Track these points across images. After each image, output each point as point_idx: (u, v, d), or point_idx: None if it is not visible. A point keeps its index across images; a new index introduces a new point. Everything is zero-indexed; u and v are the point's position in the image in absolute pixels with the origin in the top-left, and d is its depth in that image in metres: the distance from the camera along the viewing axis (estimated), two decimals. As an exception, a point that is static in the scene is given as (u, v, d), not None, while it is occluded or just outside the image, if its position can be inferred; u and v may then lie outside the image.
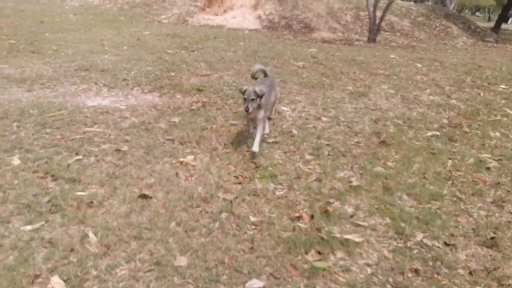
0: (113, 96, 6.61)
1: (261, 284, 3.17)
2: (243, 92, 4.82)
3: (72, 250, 3.32)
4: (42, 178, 4.23)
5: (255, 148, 4.94)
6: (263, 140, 5.29)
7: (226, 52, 10.02)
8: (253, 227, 3.85)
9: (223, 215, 3.96)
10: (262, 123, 5.04)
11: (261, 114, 5.00)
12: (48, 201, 3.85)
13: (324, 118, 6.38)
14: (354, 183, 4.66)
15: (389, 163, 5.17)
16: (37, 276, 3.02)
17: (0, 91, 6.38)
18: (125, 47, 9.81)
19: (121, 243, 3.46)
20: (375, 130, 6.08)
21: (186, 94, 6.82)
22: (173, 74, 7.81)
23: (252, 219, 3.94)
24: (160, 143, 5.19)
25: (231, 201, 4.12)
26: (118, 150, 4.88)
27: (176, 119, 5.80)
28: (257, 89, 4.81)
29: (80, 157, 4.68)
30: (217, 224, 3.82)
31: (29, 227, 3.51)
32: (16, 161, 4.47)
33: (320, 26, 16.74)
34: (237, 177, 4.61)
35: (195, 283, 3.12)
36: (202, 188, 4.33)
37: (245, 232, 3.75)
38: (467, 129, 6.51)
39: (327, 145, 5.54)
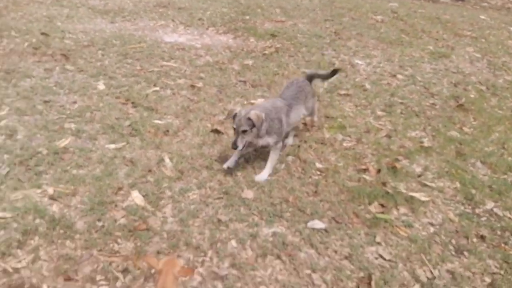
0: (189, 34, 6.75)
1: (322, 225, 3.26)
2: (233, 117, 3.49)
3: (149, 171, 3.59)
4: (124, 104, 4.52)
5: (262, 176, 3.70)
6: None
7: (301, 0, 9.72)
8: (318, 173, 3.90)
9: (290, 158, 4.04)
10: (276, 150, 3.78)
11: (272, 140, 3.68)
12: (129, 125, 4.14)
13: (399, 76, 6.12)
14: (426, 144, 4.51)
15: (465, 129, 4.91)
16: (120, 189, 3.33)
17: (86, 20, 6.74)
18: (201, -13, 9.84)
19: (194, 171, 3.68)
20: (453, 94, 5.74)
21: (260, 38, 6.79)
22: (247, 17, 7.76)
23: (318, 165, 3.99)
24: (233, 83, 5.29)
25: (298, 146, 4.18)
26: (192, 86, 5.06)
27: (249, 62, 5.84)
28: (253, 114, 3.38)
29: (157, 88, 4.92)
30: (283, 166, 3.92)
31: (112, 146, 3.82)
32: (101, 86, 4.80)
33: (403, -21, 15.58)
34: (305, 124, 4.63)
35: (260, 215, 3.28)
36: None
37: (310, 177, 3.82)
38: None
39: (401, 103, 5.35)
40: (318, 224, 3.28)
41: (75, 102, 4.41)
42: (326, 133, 4.53)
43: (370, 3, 10.39)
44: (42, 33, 5.95)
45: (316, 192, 3.64)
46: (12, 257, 2.65)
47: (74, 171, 3.43)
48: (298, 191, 3.59)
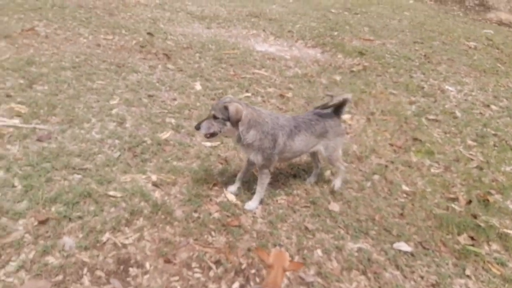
0: (278, 45, 6.95)
1: (409, 248, 3.21)
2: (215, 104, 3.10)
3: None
4: (218, 105, 4.78)
5: (251, 205, 3.36)
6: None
7: (390, 20, 9.61)
8: (405, 195, 3.85)
9: (376, 177, 4.03)
10: (263, 176, 3.32)
11: (260, 159, 3.19)
12: (224, 126, 4.37)
13: (493, 107, 5.84)
14: (522, 181, 4.28)
15: None
16: (215, 185, 3.53)
17: (185, 24, 7.20)
18: (291, 0, 10.09)
19: (282, 177, 3.80)
20: (554, 131, 5.38)
21: (347, 55, 6.83)
22: (335, 33, 7.83)
23: (405, 188, 3.93)
24: (320, 97, 5.37)
25: (386, 166, 4.15)
26: (282, 95, 5.21)
27: (337, 77, 5.90)
28: (233, 105, 2.97)
29: (249, 94, 5.13)
30: (369, 184, 3.92)
31: (208, 144, 4.05)
32: (198, 86, 5.11)
33: (499, 5, 14.79)
34: (392, 145, 4.59)
35: (345, 229, 3.31)
36: (357, 147, 4.43)
37: (396, 198, 3.78)
38: None
39: (494, 135, 5.11)
40: (404, 246, 3.24)
41: (174, 99, 4.74)
42: (413, 156, 4.45)
43: (463, 28, 10.01)
44: (148, 33, 6.47)
45: (402, 214, 3.59)
46: (120, 233, 2.92)
47: (175, 163, 3.69)
48: (384, 211, 3.57)
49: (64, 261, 2.64)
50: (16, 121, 3.79)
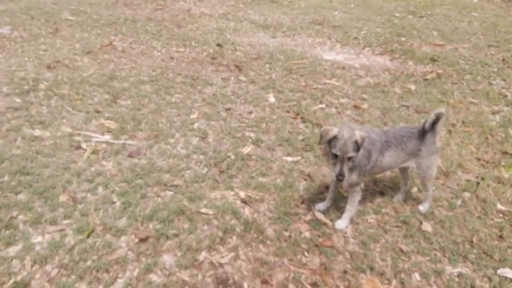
0: (345, 53, 6.82)
1: (515, 275, 3.01)
2: (332, 138, 2.86)
3: (326, 187, 3.70)
4: (294, 118, 4.74)
5: (341, 225, 3.28)
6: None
7: (459, 22, 9.16)
8: (501, 215, 3.61)
9: (466, 194, 3.81)
10: (355, 194, 3.23)
11: (354, 177, 3.08)
12: (302, 140, 4.32)
13: None
14: None
15: None
16: (302, 202, 3.49)
17: (250, 34, 7.25)
18: (352, 5, 9.90)
19: (368, 194, 3.68)
20: None
21: (418, 62, 6.57)
22: (403, 39, 7.57)
23: (500, 207, 3.69)
24: (396, 107, 5.19)
25: (478, 183, 3.92)
26: (356, 106, 5.09)
27: (411, 87, 5.68)
28: (359, 136, 2.84)
29: (323, 106, 5.05)
30: (459, 202, 3.71)
31: (289, 158, 4.03)
32: (271, 98, 5.10)
33: None
34: (479, 160, 4.33)
35: (442, 251, 3.15)
36: (442, 162, 4.22)
37: (492, 219, 3.56)
38: None
39: None
40: (509, 273, 3.03)
41: (251, 112, 4.76)
42: (504, 172, 4.18)
43: (539, 28, 9.37)
44: (217, 44, 6.58)
45: (501, 236, 3.37)
46: (216, 252, 2.95)
47: (260, 179, 3.70)
48: (481, 232, 3.37)
49: (166, 279, 2.69)
50: (107, 137, 3.96)
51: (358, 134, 2.83)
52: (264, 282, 2.79)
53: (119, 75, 5.29)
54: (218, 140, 4.17)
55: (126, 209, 3.17)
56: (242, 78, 5.55)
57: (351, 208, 3.27)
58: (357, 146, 2.84)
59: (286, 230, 3.20)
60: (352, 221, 3.35)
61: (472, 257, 3.14)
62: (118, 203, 3.22)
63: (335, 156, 2.85)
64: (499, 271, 3.03)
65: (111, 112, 4.46)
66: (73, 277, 2.62)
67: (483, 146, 4.56)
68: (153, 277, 2.71)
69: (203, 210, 3.26)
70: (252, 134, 4.34)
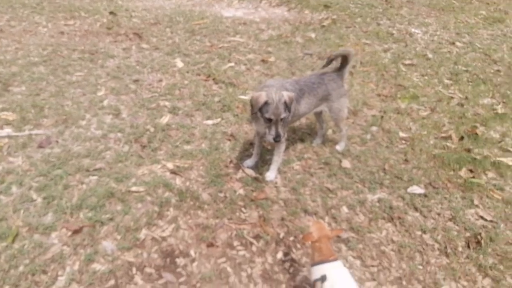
0: (244, 7, 6.81)
1: (421, 190, 3.47)
2: (264, 104, 2.91)
3: (251, 144, 3.81)
4: (206, 80, 4.70)
5: (270, 176, 3.42)
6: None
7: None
8: (404, 142, 4.08)
9: (374, 128, 4.22)
10: (282, 144, 3.36)
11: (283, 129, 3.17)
12: (219, 101, 4.34)
13: (458, 43, 6.15)
14: (499, 111, 4.63)
15: (535, 94, 5.01)
16: (230, 162, 3.56)
17: (144, -2, 6.84)
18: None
19: (290, 143, 3.88)
20: (516, 59, 5.80)
21: (314, 10, 6.83)
22: (295, -12, 7.75)
23: (402, 134, 4.16)
24: (300, 57, 5.41)
25: (381, 116, 4.34)
26: (264, 61, 5.20)
27: (312, 35, 5.93)
28: (287, 96, 2.96)
29: (232, 64, 5.07)
30: (369, 136, 4.10)
31: (210, 122, 4.04)
32: (179, 63, 4.97)
33: None
34: (379, 95, 4.78)
35: (362, 183, 3.50)
36: (348, 102, 4.56)
37: (397, 146, 4.01)
38: None
39: (465, 71, 5.43)
40: (417, 189, 3.50)
41: (161, 81, 4.61)
42: (400, 103, 4.67)
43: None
44: (110, 12, 6.09)
45: (406, 160, 3.83)
46: (156, 227, 2.93)
47: (185, 147, 3.67)
48: (390, 160, 3.79)
49: (111, 265, 2.63)
50: (8, 130, 3.57)
51: (286, 94, 2.94)
52: (210, 245, 2.87)
53: (3, 59, 4.69)
54: (132, 114, 4.00)
55: (50, 204, 2.96)
56: (144, 45, 5.28)
57: (277, 159, 3.43)
58: (287, 106, 2.93)
59: (220, 191, 3.28)
60: (279, 171, 3.53)
61: (387, 182, 3.54)
62: (39, 199, 2.99)
63: (269, 120, 2.93)
64: (409, 190, 3.48)
65: (4, 102, 3.99)
66: (7, 287, 2.43)
67: (381, 83, 5.02)
68: (97, 266, 2.62)
69: (133, 188, 3.18)
70: (167, 103, 4.23)
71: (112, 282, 2.55)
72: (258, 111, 2.97)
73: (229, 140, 3.84)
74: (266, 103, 2.90)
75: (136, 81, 4.55)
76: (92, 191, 3.09)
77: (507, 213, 3.32)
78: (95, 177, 3.24)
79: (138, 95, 4.30)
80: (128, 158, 3.46)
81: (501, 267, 2.88)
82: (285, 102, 2.91)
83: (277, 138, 2.99)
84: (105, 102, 4.12)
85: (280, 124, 2.97)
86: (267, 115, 2.91)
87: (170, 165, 3.44)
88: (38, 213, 2.89)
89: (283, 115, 2.93)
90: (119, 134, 3.72)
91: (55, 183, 3.12)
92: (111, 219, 2.92)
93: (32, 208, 2.92)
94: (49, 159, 3.33)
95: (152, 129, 3.82)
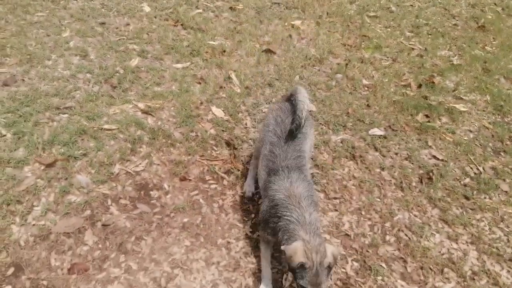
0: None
1: (381, 132, 3.71)
2: (299, 266, 2.05)
3: (220, 87, 3.88)
4: (174, 26, 4.65)
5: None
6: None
7: None
8: (366, 88, 4.29)
9: (338, 76, 4.38)
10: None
11: None
12: (188, 46, 4.32)
13: (420, -2, 6.35)
14: (455, 62, 4.91)
15: (487, 48, 5.31)
16: (200, 103, 3.64)
17: None
18: None
19: (258, 88, 3.99)
20: (473, 15, 6.05)
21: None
22: None
23: (365, 82, 4.36)
24: (268, 5, 5.41)
25: (346, 64, 4.50)
26: (232, 8, 5.17)
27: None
28: (331, 253, 2.10)
29: (200, 10, 5.01)
30: (334, 82, 4.27)
31: (179, 65, 4.04)
32: (146, 8, 4.85)
33: None
34: (345, 45, 4.92)
35: (327, 125, 3.70)
36: (314, 51, 4.68)
37: (360, 92, 4.21)
38: None
39: (426, 24, 5.65)
40: (377, 131, 3.73)
41: (128, 24, 4.51)
42: (364, 52, 4.84)
43: None
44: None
45: (368, 105, 4.04)
46: (129, 163, 3.01)
47: (155, 88, 3.69)
48: (354, 104, 3.99)
49: (86, 197, 2.71)
50: (-31, 69, 3.44)
51: (331, 252, 2.09)
52: (183, 179, 2.99)
53: (-48, -2, 4.41)
54: (101, 56, 3.93)
55: (21, 139, 2.95)
56: (109, -13, 5.09)
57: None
58: (330, 270, 2.09)
59: (192, 131, 3.37)
60: (250, 114, 3.66)
61: (350, 125, 3.75)
62: (8, 135, 2.97)
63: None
64: (370, 132, 3.71)
65: (-40, 40, 3.81)
66: (-18, 217, 2.47)
67: (346, 33, 5.14)
68: (72, 197, 2.70)
69: (106, 126, 3.21)
70: (135, 46, 4.18)
71: (88, 212, 2.64)
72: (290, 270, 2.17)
73: (199, 83, 3.89)
74: (302, 266, 2.04)
75: (102, 24, 4.42)
76: (63, 128, 3.10)
77: (457, 153, 3.63)
78: (65, 115, 3.24)
79: (106, 38, 4.20)
80: (98, 98, 3.45)
81: (449, 199, 3.20)
82: (329, 266, 2.05)
83: None
84: (71, 44, 4.01)
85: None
86: (301, 283, 2.05)
87: (141, 105, 3.47)
88: (9, 148, 2.88)
89: (324, 286, 2.04)
90: (88, 75, 3.67)
91: (24, 119, 3.10)
92: (84, 155, 2.96)
93: (2, 143, 2.90)
94: (16, 97, 3.27)
95: (121, 71, 3.79)
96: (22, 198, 2.61)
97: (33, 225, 2.49)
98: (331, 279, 2.01)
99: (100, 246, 2.46)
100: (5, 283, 2.20)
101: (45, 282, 2.23)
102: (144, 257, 2.45)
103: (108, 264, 2.38)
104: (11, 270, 2.26)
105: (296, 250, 2.04)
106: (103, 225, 2.57)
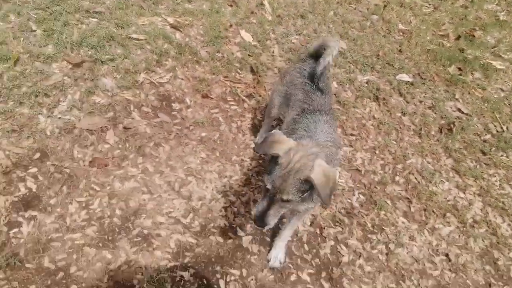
0: None
1: (409, 79, 3.63)
2: (273, 157, 1.77)
3: (252, 12, 3.80)
4: None
5: (274, 262, 2.30)
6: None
7: None
8: (401, 33, 4.14)
9: (374, 17, 4.22)
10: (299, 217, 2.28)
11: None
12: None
13: None
14: (501, 18, 4.66)
15: (539, 7, 5.00)
16: (230, 26, 3.58)
17: None
18: None
19: (290, 18, 3.89)
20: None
21: None
22: None
23: (401, 26, 4.20)
24: None
25: (384, 6, 4.31)
26: None
27: None
28: (321, 169, 1.69)
29: None
30: (369, 23, 4.12)
31: (213, -15, 3.94)
32: None
33: None
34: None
35: (354, 64, 3.62)
36: (353, -11, 4.48)
37: (394, 36, 4.07)
38: None
39: (477, -25, 5.30)
40: (405, 77, 3.65)
41: None
42: (406, -4, 4.62)
43: None
44: None
45: (401, 50, 3.92)
46: (154, 73, 3.04)
47: (186, 5, 3.63)
48: (385, 48, 3.87)
49: (110, 100, 2.78)
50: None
51: (320, 167, 1.68)
52: (205, 96, 3.03)
53: None
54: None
55: (50, 36, 2.98)
56: None
57: (286, 234, 2.35)
58: (307, 189, 1.72)
59: (218, 51, 3.35)
60: (279, 42, 3.60)
61: (378, 67, 3.67)
62: (39, 31, 3.00)
63: (266, 189, 1.77)
64: (397, 77, 3.63)
65: None
66: (11, 102, 2.58)
67: (390, -26, 4.87)
68: (97, 98, 2.77)
69: (134, 35, 3.21)
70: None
71: (111, 114, 2.72)
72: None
73: (231, 6, 3.80)
74: (275, 158, 1.72)
75: None
76: (92, 31, 3.11)
77: (483, 109, 3.55)
78: (95, 20, 3.24)
79: None
80: (128, 7, 3.42)
81: (465, 152, 3.18)
82: (306, 180, 1.67)
83: (258, 223, 1.81)
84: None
85: (277, 205, 1.76)
86: (265, 180, 1.75)
87: (170, 20, 3.44)
88: (39, 43, 2.93)
89: (288, 197, 1.71)
90: (119, -17, 3.62)
91: (54, 18, 3.11)
92: (111, 60, 2.99)
93: (32, 38, 2.95)
94: (47, -5, 3.28)
95: (153, -17, 3.73)
96: (50, 92, 2.69)
97: (59, 118, 2.59)
98: (312, 200, 1.78)
99: (120, 146, 2.57)
100: (31, 165, 2.34)
101: (67, 170, 2.36)
102: (160, 162, 2.56)
103: (127, 163, 2.50)
104: (37, 155, 2.39)
105: (281, 141, 1.72)
106: (124, 127, 2.66)
